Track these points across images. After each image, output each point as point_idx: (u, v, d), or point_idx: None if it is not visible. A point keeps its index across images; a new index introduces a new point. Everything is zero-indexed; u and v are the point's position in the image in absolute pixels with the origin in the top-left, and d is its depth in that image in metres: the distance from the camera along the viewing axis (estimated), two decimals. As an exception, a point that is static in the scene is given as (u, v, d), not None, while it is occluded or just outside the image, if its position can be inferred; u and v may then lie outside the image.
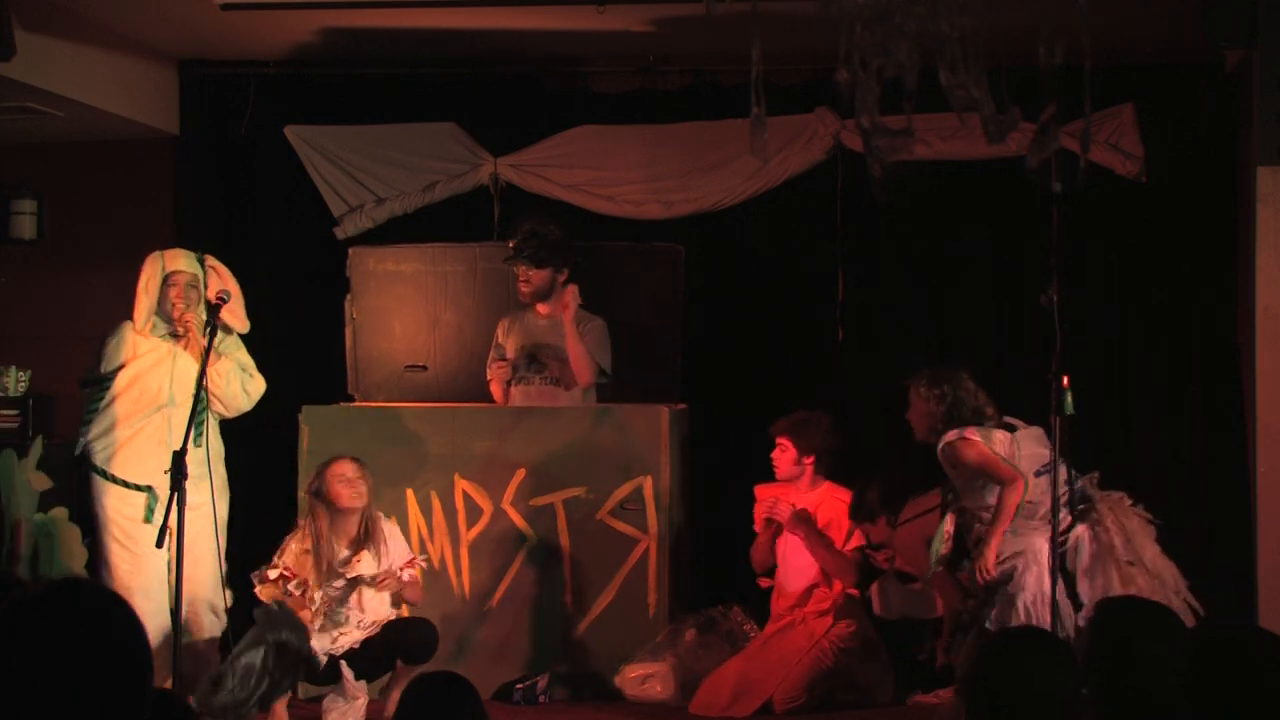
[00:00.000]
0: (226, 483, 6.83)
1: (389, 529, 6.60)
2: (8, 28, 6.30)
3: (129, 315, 6.79)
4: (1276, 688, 2.92)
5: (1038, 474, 6.10)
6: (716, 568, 7.69)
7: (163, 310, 6.74)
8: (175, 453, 5.78)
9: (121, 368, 6.74)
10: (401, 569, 6.50)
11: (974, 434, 6.13)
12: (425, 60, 8.11)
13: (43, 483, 7.54)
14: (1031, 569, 6.07)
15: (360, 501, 6.49)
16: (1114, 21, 6.69)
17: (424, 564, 6.69)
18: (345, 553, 6.48)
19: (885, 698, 6.97)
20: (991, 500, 6.13)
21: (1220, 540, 7.51)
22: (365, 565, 6.47)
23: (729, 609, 7.25)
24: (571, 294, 7.21)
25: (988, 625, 6.06)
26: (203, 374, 6.26)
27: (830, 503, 7.08)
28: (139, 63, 7.94)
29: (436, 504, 7.16)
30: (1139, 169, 7.64)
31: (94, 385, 6.76)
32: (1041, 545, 6.04)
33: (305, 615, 6.35)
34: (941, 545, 6.25)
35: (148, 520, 6.58)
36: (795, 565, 7.11)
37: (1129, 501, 6.24)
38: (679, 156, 8.02)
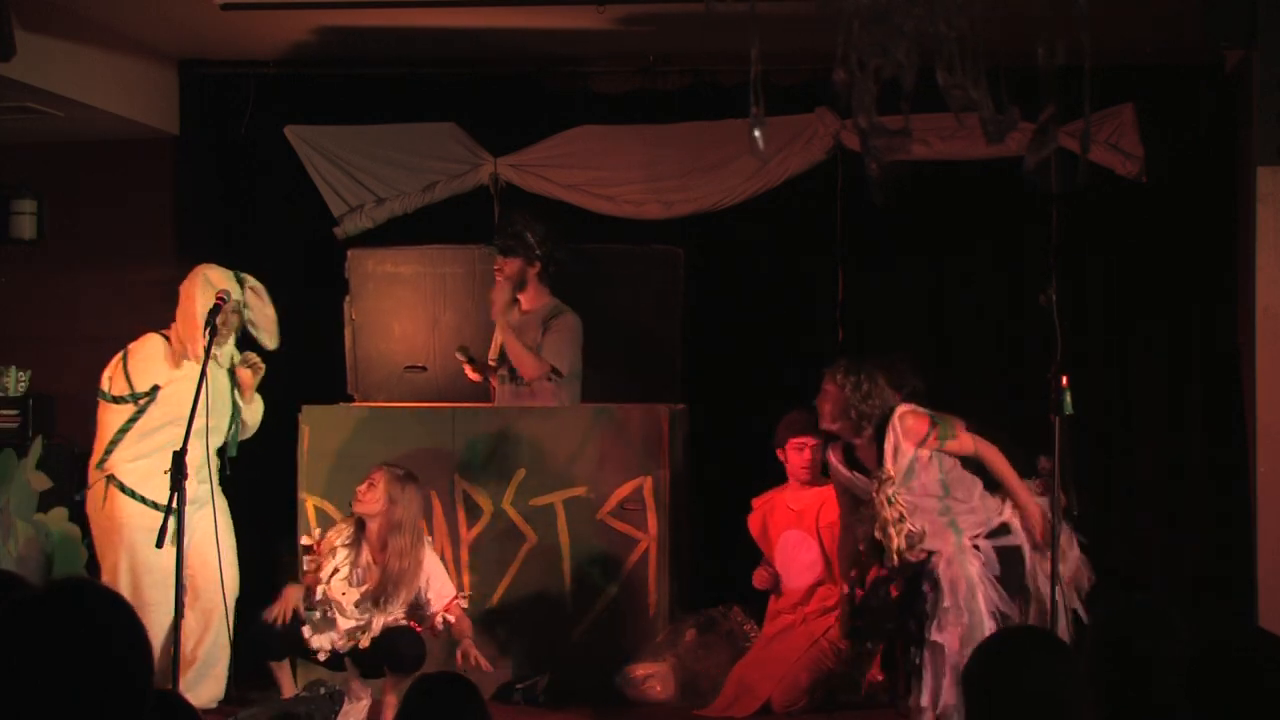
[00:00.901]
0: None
1: (430, 564, 6.36)
2: (8, 28, 6.29)
3: (131, 317, 6.76)
4: (1276, 688, 2.92)
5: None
6: (716, 568, 7.69)
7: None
8: (175, 453, 5.75)
9: (157, 387, 6.60)
10: (437, 613, 6.31)
11: (917, 409, 5.97)
12: (425, 60, 8.11)
13: (42, 483, 7.54)
14: (953, 567, 5.83)
15: (370, 508, 6.29)
16: (1114, 21, 6.68)
17: (464, 603, 6.45)
18: (357, 590, 6.31)
19: (886, 698, 6.95)
20: (926, 479, 5.92)
21: (1220, 540, 7.51)
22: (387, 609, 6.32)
23: (729, 609, 7.25)
24: (497, 288, 7.20)
25: (929, 636, 5.81)
26: (203, 376, 6.10)
27: (833, 500, 7.05)
28: (139, 63, 7.94)
29: (436, 504, 7.15)
30: (1139, 169, 7.64)
31: (124, 403, 6.62)
32: (964, 544, 5.87)
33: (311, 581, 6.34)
34: (892, 535, 6.04)
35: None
36: (800, 563, 7.09)
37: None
38: (679, 156, 8.02)
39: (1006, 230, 7.89)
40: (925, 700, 5.80)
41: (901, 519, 5.89)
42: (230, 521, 6.81)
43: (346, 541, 6.37)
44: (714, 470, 7.84)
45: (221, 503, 6.78)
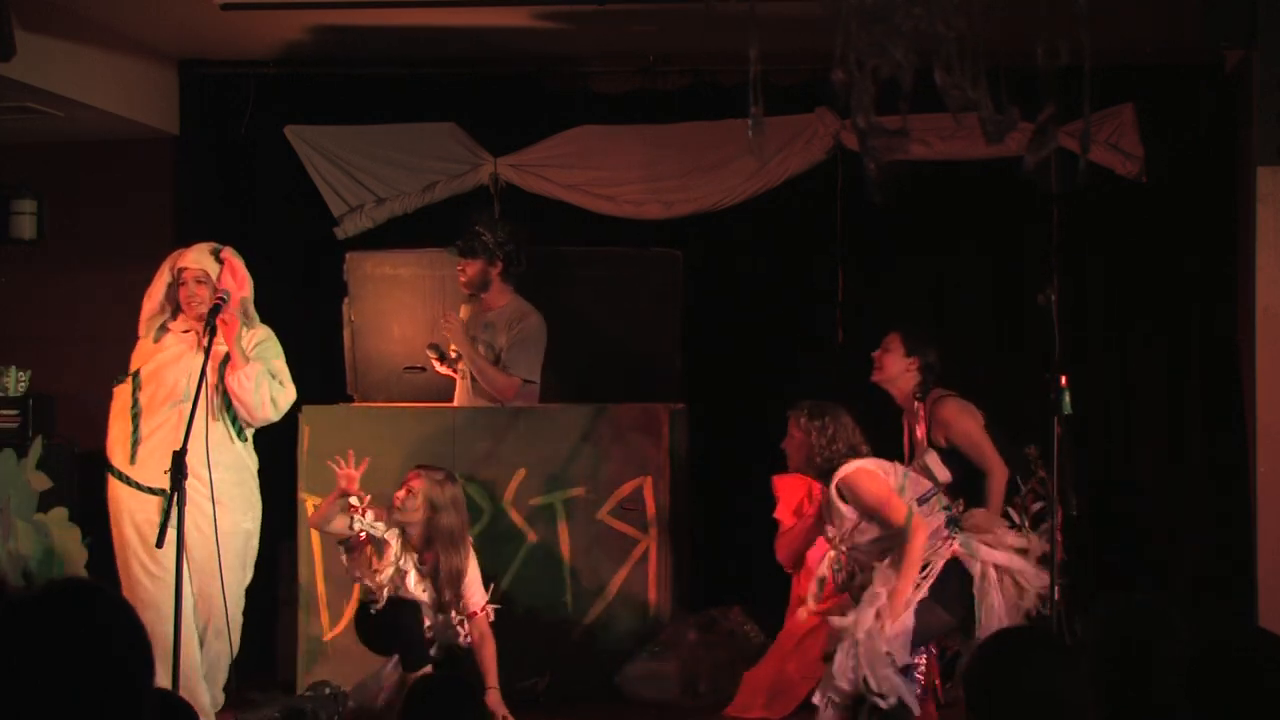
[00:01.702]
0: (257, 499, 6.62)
1: (472, 569, 6.32)
2: (8, 28, 6.29)
3: (131, 317, 6.71)
4: (1276, 688, 2.92)
5: (919, 500, 5.86)
6: (716, 568, 7.69)
7: (179, 308, 6.59)
8: (175, 453, 5.70)
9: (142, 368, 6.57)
10: (464, 619, 6.27)
11: (871, 464, 5.89)
12: (425, 60, 8.11)
13: (42, 483, 7.54)
14: (872, 610, 5.73)
15: (413, 517, 6.23)
16: (1114, 21, 6.68)
17: (491, 615, 6.39)
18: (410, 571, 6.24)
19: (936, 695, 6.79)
20: (875, 534, 5.84)
21: (1220, 540, 7.51)
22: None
23: (729, 609, 7.25)
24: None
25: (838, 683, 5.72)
26: (203, 375, 6.06)
27: None
28: (139, 63, 7.94)
29: (436, 504, 7.14)
30: (1139, 169, 7.65)
31: (120, 382, 6.54)
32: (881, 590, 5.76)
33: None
34: (824, 581, 6.02)
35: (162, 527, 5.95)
36: None
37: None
38: (679, 156, 8.02)
39: (1006, 230, 7.89)
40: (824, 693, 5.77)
41: (853, 577, 5.91)
42: (241, 519, 6.52)
43: (401, 543, 6.30)
44: (714, 470, 7.84)
45: (232, 497, 6.46)
